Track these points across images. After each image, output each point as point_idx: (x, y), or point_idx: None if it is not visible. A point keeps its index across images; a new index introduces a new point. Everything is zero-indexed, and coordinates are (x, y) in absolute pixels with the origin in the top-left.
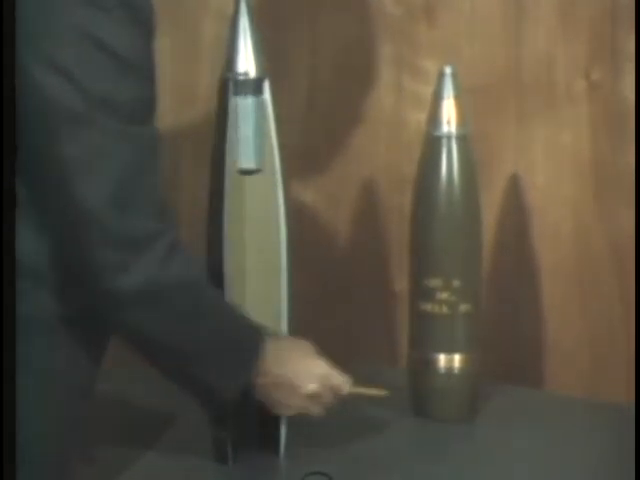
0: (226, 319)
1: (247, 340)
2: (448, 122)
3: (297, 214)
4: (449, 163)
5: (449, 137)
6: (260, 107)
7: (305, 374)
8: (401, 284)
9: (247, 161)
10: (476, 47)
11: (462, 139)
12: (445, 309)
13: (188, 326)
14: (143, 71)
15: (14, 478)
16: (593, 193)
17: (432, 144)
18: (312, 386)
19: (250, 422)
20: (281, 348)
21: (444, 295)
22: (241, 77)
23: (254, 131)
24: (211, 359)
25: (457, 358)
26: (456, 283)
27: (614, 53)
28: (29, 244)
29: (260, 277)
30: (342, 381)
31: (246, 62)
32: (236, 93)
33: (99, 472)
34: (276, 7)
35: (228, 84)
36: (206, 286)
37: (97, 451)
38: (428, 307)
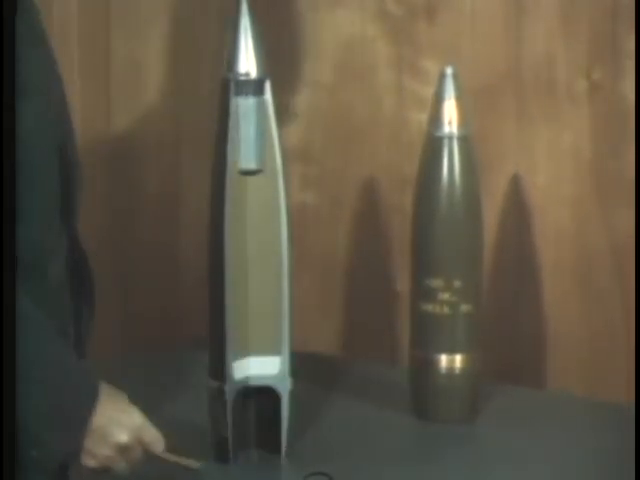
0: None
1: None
2: (449, 123)
3: (298, 214)
4: (450, 163)
5: (450, 137)
6: (261, 107)
7: (117, 423)
8: (402, 284)
9: (248, 161)
10: (477, 47)
11: (463, 140)
12: (446, 309)
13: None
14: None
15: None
16: (594, 193)
17: (433, 144)
18: (123, 437)
19: (250, 422)
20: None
21: (445, 295)
22: (242, 77)
23: (255, 131)
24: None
25: (458, 358)
26: (457, 283)
27: (615, 53)
28: None
29: (261, 277)
30: (155, 438)
31: (247, 62)
32: (237, 93)
33: (99, 472)
34: (276, 7)
35: (229, 84)
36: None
37: None
38: (429, 307)
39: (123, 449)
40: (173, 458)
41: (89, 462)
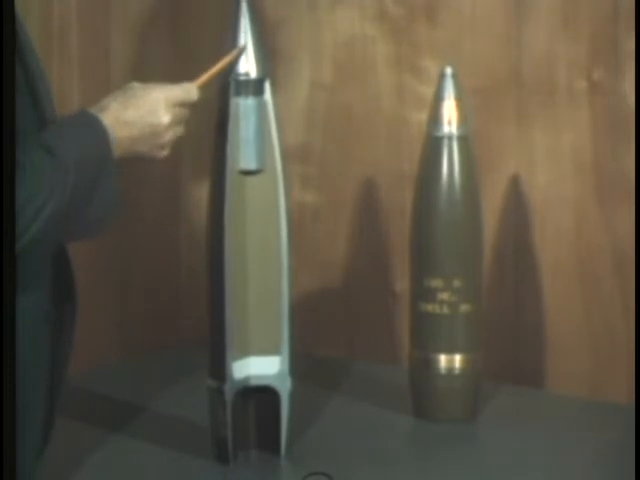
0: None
1: (87, 127)
2: (449, 122)
3: (298, 214)
4: (450, 163)
5: (450, 137)
6: (261, 107)
7: (151, 112)
8: (402, 284)
9: (248, 161)
10: (477, 47)
11: (463, 139)
12: (446, 309)
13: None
14: None
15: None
16: (594, 193)
17: (433, 144)
18: (165, 117)
19: (250, 422)
20: (114, 110)
21: (445, 295)
22: (242, 78)
23: (255, 131)
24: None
25: (458, 358)
26: (457, 283)
27: (615, 53)
28: None
29: (261, 277)
30: (185, 92)
31: (247, 63)
32: (237, 94)
33: (99, 472)
34: (276, 7)
35: (229, 85)
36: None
37: (95, 451)
38: (429, 307)
39: (174, 123)
40: (214, 72)
41: (162, 154)
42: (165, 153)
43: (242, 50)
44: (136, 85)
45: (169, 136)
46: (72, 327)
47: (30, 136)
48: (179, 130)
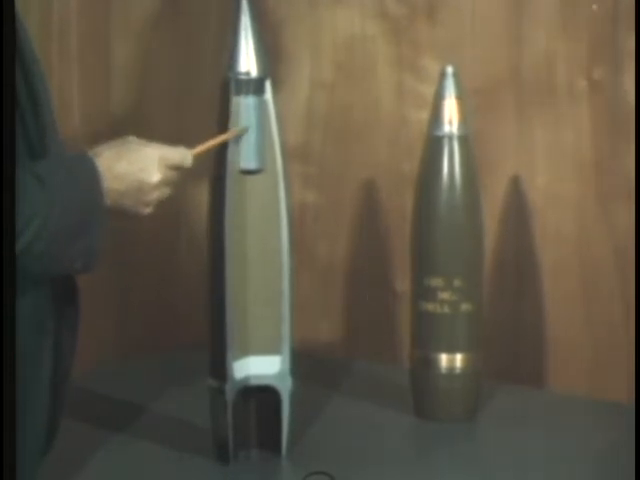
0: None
1: (82, 174)
2: (449, 122)
3: (298, 214)
4: (450, 163)
5: (450, 137)
6: (261, 107)
7: (142, 170)
8: (402, 284)
9: (248, 161)
10: (477, 47)
11: (463, 139)
12: (446, 309)
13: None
14: None
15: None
16: (594, 193)
17: (433, 144)
18: (157, 176)
19: (251, 422)
20: (107, 160)
21: (445, 295)
22: (242, 77)
23: (255, 131)
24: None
25: (458, 357)
26: (457, 283)
27: (615, 53)
28: None
29: (261, 277)
30: (181, 156)
31: (247, 62)
32: (237, 93)
33: (99, 472)
34: (276, 6)
35: (230, 84)
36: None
37: (95, 451)
38: (429, 307)
39: (162, 183)
40: (211, 144)
41: (146, 211)
42: (149, 211)
43: (244, 130)
44: (133, 139)
45: (156, 195)
46: (75, 329)
47: (24, 157)
48: (166, 191)
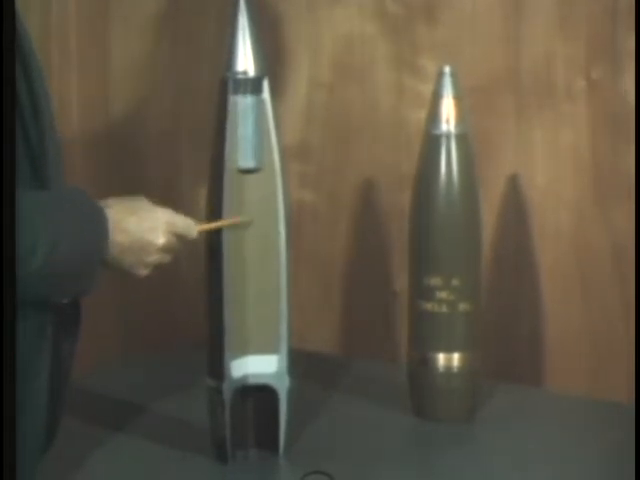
0: (66, 223)
1: (92, 223)
2: (447, 121)
3: (296, 213)
4: (448, 162)
5: (448, 136)
6: (259, 106)
7: (149, 230)
8: (400, 283)
9: (246, 160)
10: (476, 46)
11: (461, 138)
12: (444, 308)
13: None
14: None
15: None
16: (593, 192)
17: (431, 143)
18: (160, 239)
19: (249, 421)
20: (118, 214)
21: (443, 294)
22: (240, 76)
23: (253, 130)
24: (71, 286)
25: (456, 357)
26: (455, 282)
27: (614, 52)
28: None
29: (259, 276)
30: (187, 226)
31: (245, 61)
32: (235, 92)
33: (98, 471)
34: (274, 6)
35: (227, 83)
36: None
37: (96, 451)
38: (428, 306)
39: (165, 248)
40: (213, 227)
41: (143, 272)
42: (146, 273)
43: (249, 223)
44: (144, 199)
45: (156, 258)
46: (76, 331)
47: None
48: (166, 258)
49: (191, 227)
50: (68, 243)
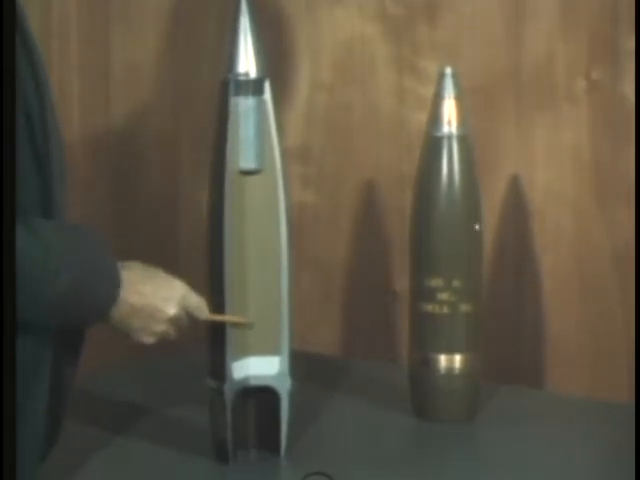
0: (80, 267)
1: (102, 287)
2: (448, 122)
3: (297, 214)
4: (449, 163)
5: (449, 137)
6: (261, 107)
7: (163, 299)
8: (401, 284)
9: (247, 161)
10: (476, 47)
11: (462, 139)
12: (445, 309)
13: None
14: None
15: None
16: (593, 193)
17: (432, 144)
18: (172, 310)
19: (250, 422)
20: (136, 276)
21: (444, 295)
22: (242, 77)
23: (254, 131)
24: (70, 305)
25: (457, 358)
26: (456, 283)
27: (614, 53)
28: None
29: (261, 277)
30: (199, 304)
31: (246, 62)
32: (237, 93)
33: (99, 472)
34: (276, 7)
35: (229, 84)
36: (55, 241)
37: (97, 452)
38: (429, 307)
39: (174, 320)
40: (218, 318)
41: (147, 340)
42: (150, 341)
43: (251, 325)
44: (162, 271)
45: (164, 328)
46: (79, 352)
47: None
48: (171, 330)
49: (203, 308)
50: (83, 279)
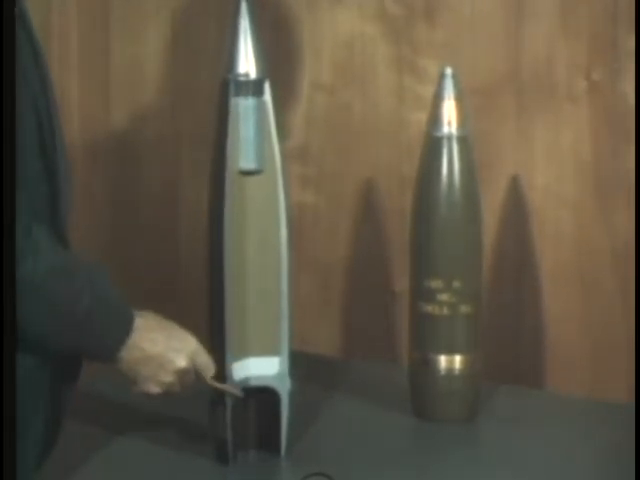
0: (96, 299)
1: (116, 321)
2: (448, 123)
3: (297, 215)
4: (449, 164)
5: (449, 138)
6: (261, 108)
7: (175, 350)
8: (401, 285)
9: (247, 162)
10: (477, 47)
11: (462, 140)
12: (445, 310)
13: (60, 309)
14: None
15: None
16: (593, 193)
17: (433, 145)
18: (182, 362)
19: (250, 423)
20: (151, 324)
21: (444, 296)
22: (242, 78)
23: (254, 132)
24: (82, 335)
25: (457, 359)
26: (456, 284)
27: (614, 53)
28: None
29: (260, 277)
30: (208, 363)
31: (246, 63)
32: (237, 94)
33: (99, 472)
34: (275, 7)
35: (229, 85)
36: (76, 269)
37: (96, 453)
38: (428, 308)
39: (182, 373)
40: (218, 385)
41: (153, 389)
42: (155, 391)
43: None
44: (176, 324)
45: (170, 379)
46: (78, 372)
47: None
48: (177, 384)
49: (210, 367)
50: (100, 310)
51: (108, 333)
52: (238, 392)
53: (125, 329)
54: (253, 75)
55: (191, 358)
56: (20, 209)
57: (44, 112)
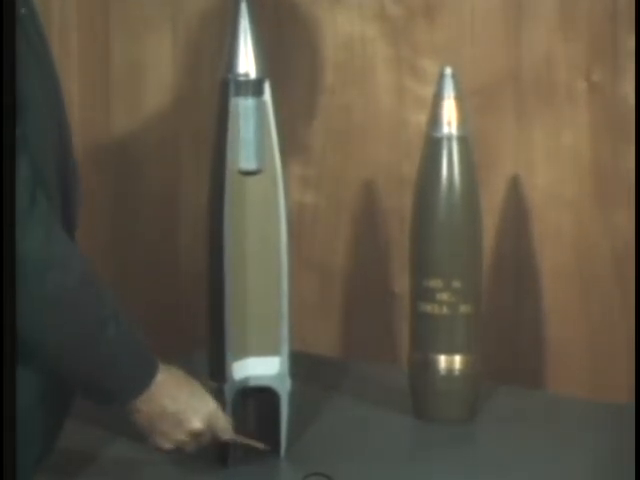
0: (123, 334)
1: (139, 364)
2: (448, 123)
3: (297, 215)
4: (449, 164)
5: (449, 138)
6: (260, 108)
7: (193, 410)
8: (401, 285)
9: (247, 162)
10: (476, 48)
11: (462, 140)
12: (445, 310)
13: (85, 329)
14: None
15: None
16: (593, 194)
17: (432, 145)
18: (198, 424)
19: (250, 422)
20: (173, 380)
21: (444, 296)
22: (241, 78)
23: (254, 132)
24: (101, 367)
25: (457, 359)
26: (456, 284)
27: (615, 54)
28: None
29: (260, 277)
30: (226, 426)
31: (246, 63)
32: (237, 94)
33: (98, 472)
34: (275, 8)
35: (229, 85)
36: (104, 292)
37: (95, 453)
38: (428, 308)
39: (196, 434)
40: (241, 439)
41: (164, 445)
42: (168, 448)
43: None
44: (199, 383)
45: (184, 438)
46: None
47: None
48: (192, 445)
49: (228, 430)
50: (125, 350)
51: (131, 375)
52: (262, 445)
53: (149, 375)
54: (253, 75)
55: (208, 420)
56: (48, 214)
57: (60, 110)
